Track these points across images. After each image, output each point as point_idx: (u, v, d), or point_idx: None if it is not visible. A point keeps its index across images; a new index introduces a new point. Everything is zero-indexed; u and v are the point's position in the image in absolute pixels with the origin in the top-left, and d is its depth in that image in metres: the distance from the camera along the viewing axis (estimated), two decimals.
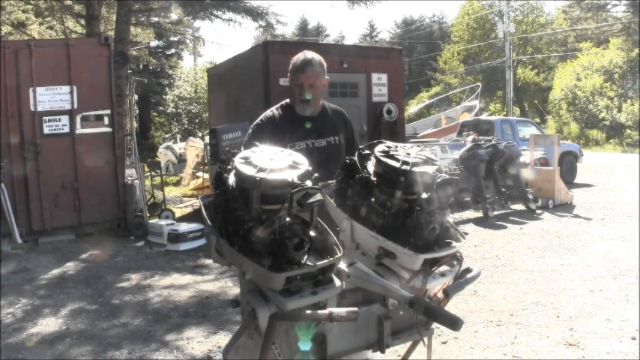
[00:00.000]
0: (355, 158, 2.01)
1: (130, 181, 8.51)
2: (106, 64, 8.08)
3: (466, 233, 2.06)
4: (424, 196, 1.87)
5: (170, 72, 28.84)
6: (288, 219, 1.59)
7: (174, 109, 27.65)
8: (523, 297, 4.89)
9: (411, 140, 13.50)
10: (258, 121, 2.71)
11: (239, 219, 1.62)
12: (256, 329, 1.62)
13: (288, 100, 2.76)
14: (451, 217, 2.17)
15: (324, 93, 2.93)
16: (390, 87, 11.27)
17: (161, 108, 27.92)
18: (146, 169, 10.13)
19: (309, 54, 2.66)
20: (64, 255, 6.99)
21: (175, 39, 25.41)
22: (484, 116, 18.94)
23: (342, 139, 2.76)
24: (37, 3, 14.53)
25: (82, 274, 6.12)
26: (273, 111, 2.74)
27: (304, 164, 1.69)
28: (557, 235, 7.42)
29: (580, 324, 4.17)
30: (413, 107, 27.92)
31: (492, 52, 35.57)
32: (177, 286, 5.60)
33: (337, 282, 1.65)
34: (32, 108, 7.62)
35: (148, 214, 8.67)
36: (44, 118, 7.70)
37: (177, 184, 14.82)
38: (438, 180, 1.91)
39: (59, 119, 7.80)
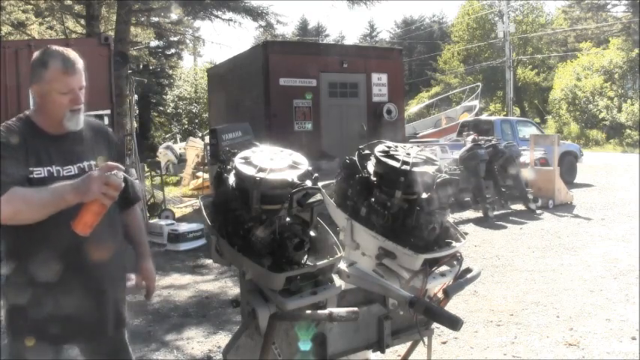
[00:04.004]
0: (355, 158, 2.02)
1: None
2: (106, 64, 8.06)
3: (466, 233, 2.07)
4: (424, 196, 1.87)
5: (170, 72, 28.85)
6: (288, 219, 1.59)
7: (174, 109, 27.66)
8: (523, 297, 4.89)
9: (411, 140, 13.49)
10: None
11: (239, 219, 1.62)
12: (256, 329, 1.62)
13: (27, 113, 2.14)
14: (451, 217, 2.17)
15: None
16: (390, 87, 11.30)
17: (161, 108, 27.92)
18: (146, 169, 10.13)
19: (61, 49, 1.97)
20: None
21: (175, 39, 25.43)
22: (484, 116, 18.93)
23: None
24: (37, 3, 14.53)
25: None
26: (10, 125, 2.07)
27: (304, 164, 1.70)
28: (557, 235, 7.41)
29: (580, 324, 4.17)
30: (413, 107, 27.88)
31: (492, 52, 35.54)
32: (177, 286, 5.60)
33: (337, 282, 1.66)
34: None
35: (148, 214, 8.67)
36: None
37: (177, 184, 14.81)
38: (438, 180, 1.91)
39: None
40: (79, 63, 1.96)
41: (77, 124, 1.98)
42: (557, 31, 35.15)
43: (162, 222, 7.84)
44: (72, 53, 1.97)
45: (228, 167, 1.73)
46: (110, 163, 1.74)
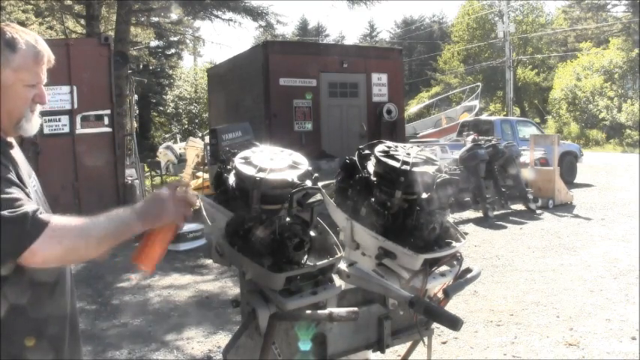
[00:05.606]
0: (355, 158, 2.02)
1: (130, 181, 8.51)
2: (106, 64, 8.08)
3: (466, 233, 2.07)
4: (424, 196, 1.87)
5: (170, 72, 28.88)
6: (288, 219, 1.59)
7: (174, 109, 27.69)
8: (523, 297, 4.89)
9: (411, 140, 13.50)
10: None
11: (239, 219, 1.62)
12: (256, 329, 1.62)
13: None
14: (451, 217, 2.17)
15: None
16: (390, 87, 11.30)
17: (161, 108, 27.95)
18: (146, 169, 10.13)
19: (28, 30, 1.51)
20: None
21: (175, 39, 25.47)
22: (484, 116, 18.95)
23: None
24: (37, 3, 14.54)
25: (82, 274, 6.12)
26: None
27: (304, 164, 1.69)
28: (557, 235, 7.41)
29: (580, 324, 4.17)
30: (413, 107, 27.90)
31: (492, 52, 35.54)
32: (177, 286, 5.60)
33: (337, 282, 1.66)
34: None
35: None
36: (44, 118, 7.70)
37: None
38: (438, 180, 1.91)
39: (59, 119, 7.80)
40: (50, 52, 1.54)
41: (34, 127, 1.53)
42: (557, 31, 35.16)
43: None
44: (40, 38, 1.52)
45: (228, 167, 1.73)
46: (178, 180, 1.50)
